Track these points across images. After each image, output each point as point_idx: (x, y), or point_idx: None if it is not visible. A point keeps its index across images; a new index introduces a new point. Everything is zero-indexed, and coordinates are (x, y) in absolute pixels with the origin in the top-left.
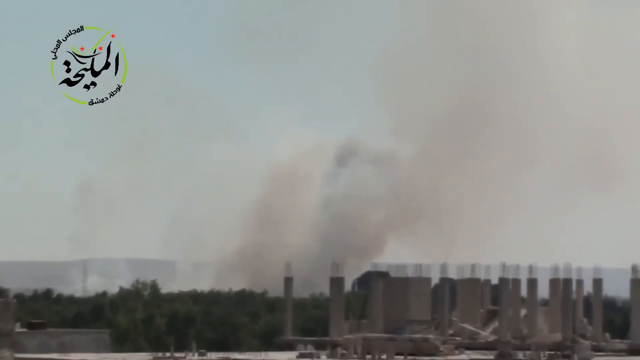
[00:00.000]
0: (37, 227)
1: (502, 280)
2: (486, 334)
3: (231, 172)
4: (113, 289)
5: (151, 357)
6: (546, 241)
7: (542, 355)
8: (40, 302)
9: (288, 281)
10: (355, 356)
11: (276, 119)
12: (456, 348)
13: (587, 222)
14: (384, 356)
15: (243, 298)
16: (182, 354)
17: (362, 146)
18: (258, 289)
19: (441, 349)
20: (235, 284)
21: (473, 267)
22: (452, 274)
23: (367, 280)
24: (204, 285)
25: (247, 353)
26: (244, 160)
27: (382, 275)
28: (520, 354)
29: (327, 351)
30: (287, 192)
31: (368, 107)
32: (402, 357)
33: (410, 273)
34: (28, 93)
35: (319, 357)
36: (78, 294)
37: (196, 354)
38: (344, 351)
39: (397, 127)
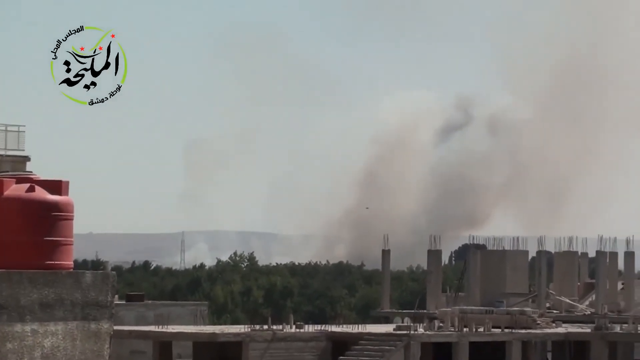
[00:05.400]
0: (144, 200)
1: (599, 253)
2: (583, 307)
3: (340, 138)
4: (214, 262)
5: (248, 329)
6: None
7: (639, 328)
8: (138, 274)
9: (385, 254)
10: (452, 329)
11: (387, 82)
12: (553, 321)
13: None
14: (481, 329)
15: (341, 270)
16: (279, 327)
17: (474, 111)
18: (357, 261)
19: (538, 322)
20: (337, 255)
21: (570, 240)
22: (550, 247)
23: (465, 252)
24: (306, 256)
25: (344, 326)
26: (353, 126)
27: (480, 247)
28: (617, 327)
29: (424, 324)
30: (396, 159)
31: (481, 70)
32: (499, 329)
33: (507, 246)
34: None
35: (416, 330)
36: (177, 266)
37: (293, 327)
38: (441, 324)
39: (511, 91)
